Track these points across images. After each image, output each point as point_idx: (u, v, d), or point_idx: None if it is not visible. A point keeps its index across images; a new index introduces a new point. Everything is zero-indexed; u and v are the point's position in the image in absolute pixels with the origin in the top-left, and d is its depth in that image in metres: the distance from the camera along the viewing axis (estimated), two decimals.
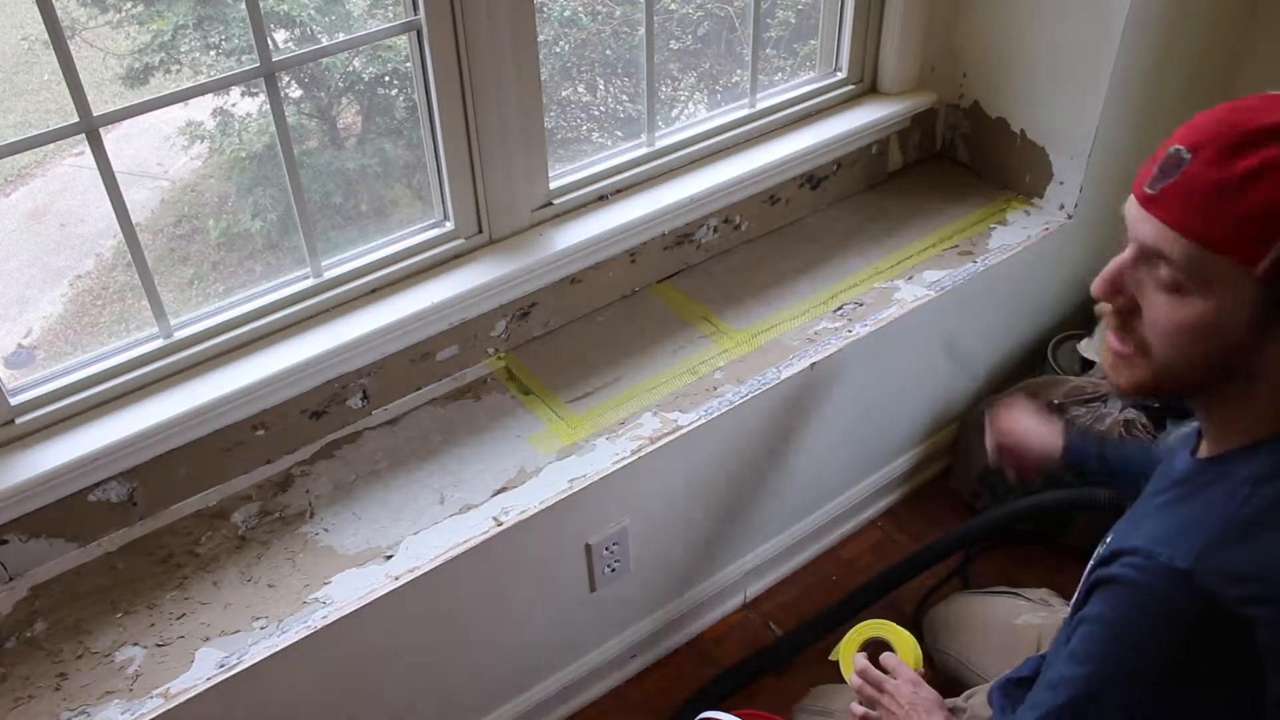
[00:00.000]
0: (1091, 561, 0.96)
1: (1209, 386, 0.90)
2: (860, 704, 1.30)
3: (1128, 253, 0.90)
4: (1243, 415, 0.90)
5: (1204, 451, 0.96)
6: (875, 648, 1.45)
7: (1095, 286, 0.92)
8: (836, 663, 1.50)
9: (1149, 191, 0.87)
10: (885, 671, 1.32)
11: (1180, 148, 0.85)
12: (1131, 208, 0.90)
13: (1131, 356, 0.91)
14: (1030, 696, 0.96)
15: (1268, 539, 0.84)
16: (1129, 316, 0.90)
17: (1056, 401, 2.01)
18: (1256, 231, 0.80)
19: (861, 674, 1.31)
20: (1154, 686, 0.86)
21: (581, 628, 1.79)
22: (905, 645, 1.45)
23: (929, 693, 1.26)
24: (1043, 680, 0.95)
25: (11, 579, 1.43)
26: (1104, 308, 0.94)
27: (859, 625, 1.53)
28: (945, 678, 1.64)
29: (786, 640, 1.94)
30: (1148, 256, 0.88)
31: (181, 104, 1.40)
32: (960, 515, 2.17)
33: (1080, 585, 0.96)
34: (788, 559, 2.09)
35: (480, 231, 1.71)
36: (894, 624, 1.50)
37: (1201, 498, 0.90)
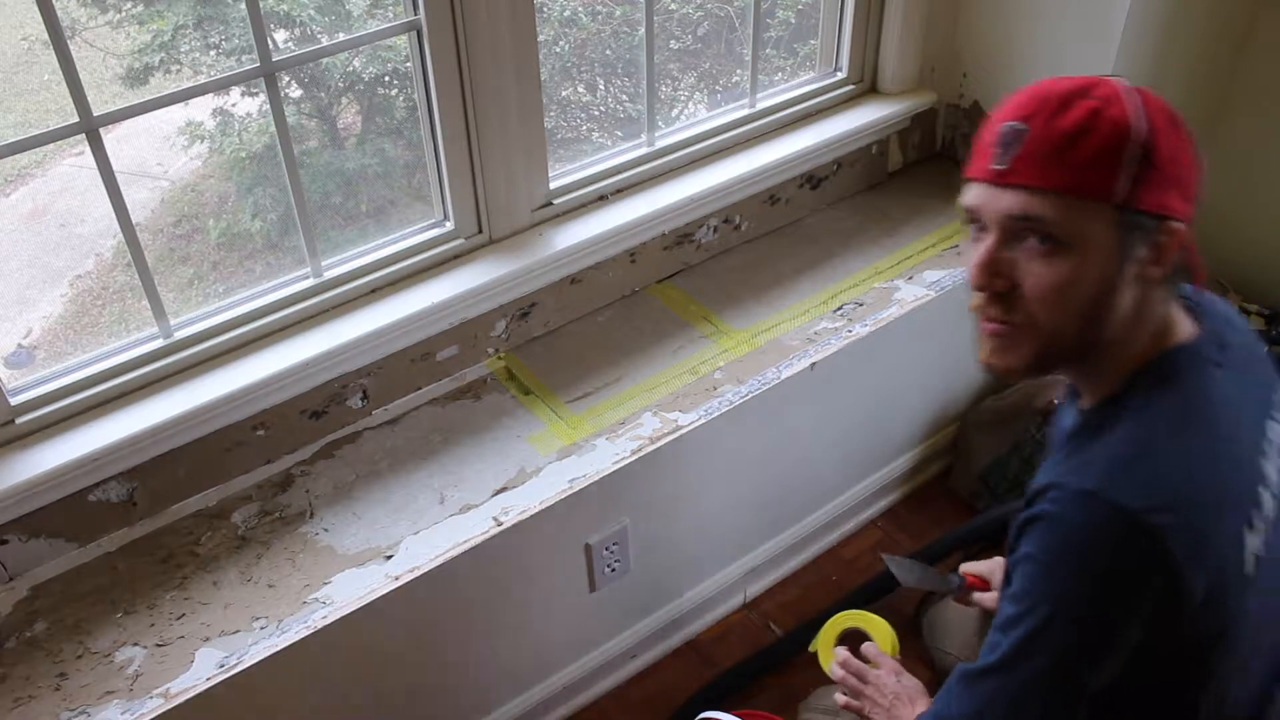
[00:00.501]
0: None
1: (1086, 348, 0.96)
2: (843, 694, 1.32)
3: (992, 237, 0.94)
4: (1111, 363, 0.97)
5: (1086, 403, 1.02)
6: (853, 638, 1.46)
7: (974, 276, 0.95)
8: (816, 653, 1.51)
9: (1000, 167, 0.92)
10: (866, 662, 1.33)
11: (1014, 122, 0.92)
12: (981, 192, 0.95)
13: (1016, 333, 0.95)
14: (989, 638, 1.00)
15: (1158, 456, 0.91)
16: (1008, 297, 0.95)
17: (1057, 401, 2.01)
18: (1103, 165, 0.88)
19: (844, 665, 1.33)
20: (1089, 611, 0.91)
21: (581, 628, 1.79)
22: (883, 634, 1.47)
23: (912, 681, 1.28)
24: (994, 623, 1.00)
25: (11, 579, 1.43)
26: (975, 300, 0.97)
27: (836, 616, 1.54)
28: (945, 676, 1.64)
29: (786, 640, 1.94)
30: (1015, 230, 0.93)
31: (181, 104, 1.40)
32: (960, 515, 2.17)
33: (1010, 534, 0.99)
34: (788, 559, 2.08)
35: (480, 231, 1.71)
36: (870, 614, 1.51)
37: (1096, 438, 0.95)
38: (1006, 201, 0.92)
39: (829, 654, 1.44)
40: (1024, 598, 0.94)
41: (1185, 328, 0.98)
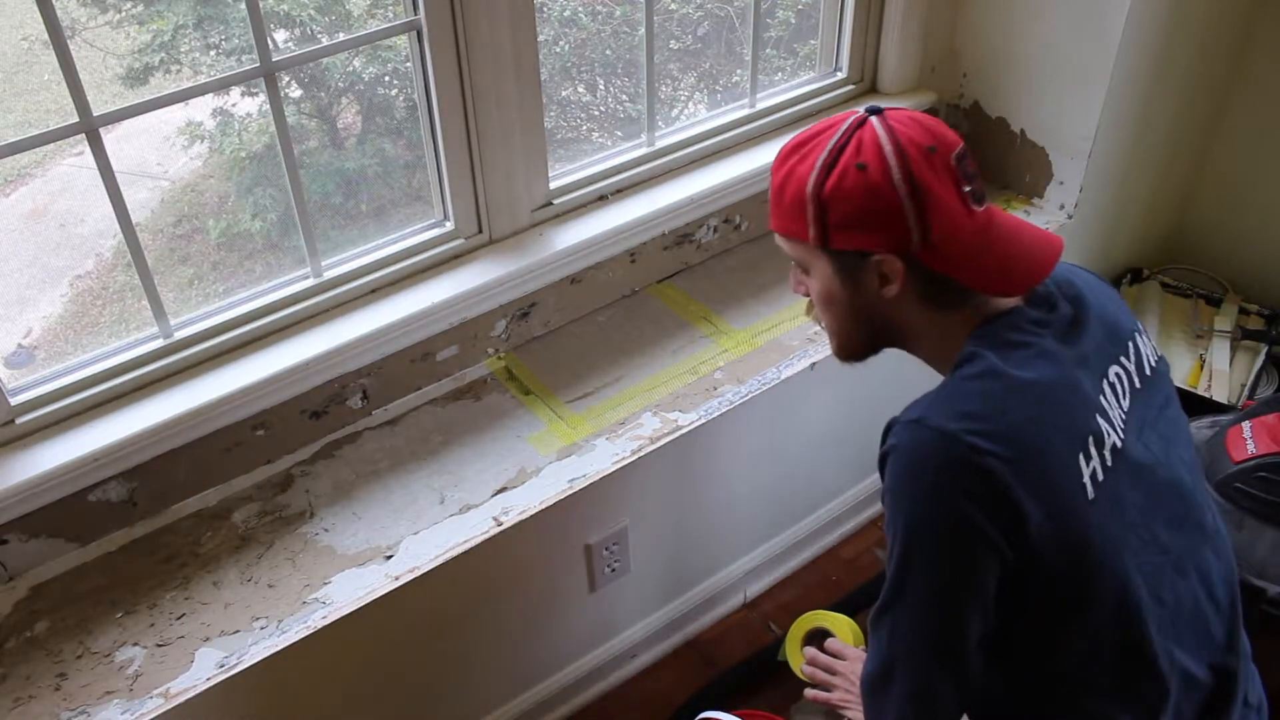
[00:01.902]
0: None
1: (883, 341, 1.13)
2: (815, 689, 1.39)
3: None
4: (931, 349, 1.11)
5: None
6: (819, 638, 1.53)
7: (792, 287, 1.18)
8: (786, 662, 1.57)
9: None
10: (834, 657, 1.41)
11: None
12: None
13: (827, 329, 1.16)
14: None
15: (976, 392, 1.02)
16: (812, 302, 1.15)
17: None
18: (798, 215, 1.06)
19: (811, 662, 1.41)
20: (937, 526, 0.99)
21: (581, 628, 1.79)
22: (843, 628, 1.56)
23: None
24: None
25: (11, 579, 1.44)
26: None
27: (797, 621, 1.63)
28: None
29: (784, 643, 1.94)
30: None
31: (181, 104, 1.40)
32: None
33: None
34: (788, 559, 2.09)
35: (480, 231, 1.71)
36: (828, 612, 1.60)
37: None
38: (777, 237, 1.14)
39: (798, 658, 1.50)
40: (890, 526, 1.03)
41: (1006, 304, 1.08)
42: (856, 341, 1.15)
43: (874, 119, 1.05)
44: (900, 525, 1.01)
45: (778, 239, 1.12)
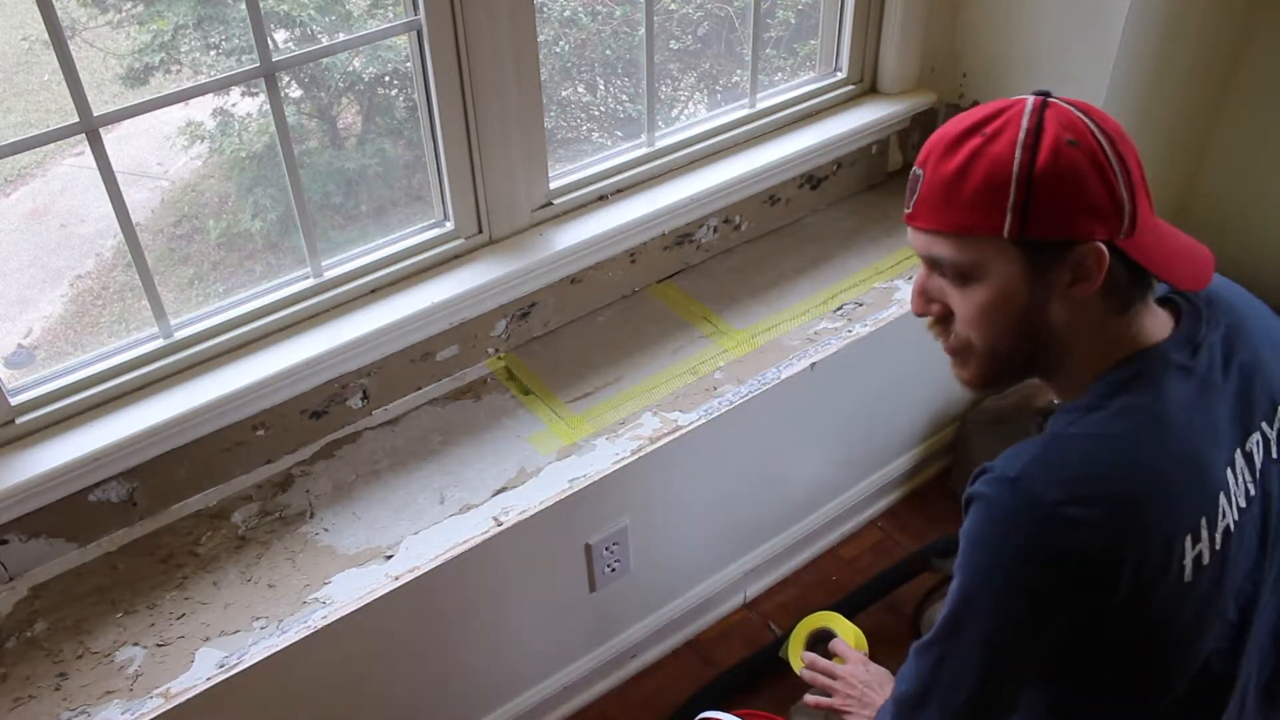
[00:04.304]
0: None
1: (1034, 359, 1.00)
2: (814, 693, 1.38)
3: (921, 269, 1.02)
4: (1069, 373, 1.00)
5: (1057, 402, 1.07)
6: (822, 639, 1.56)
7: (911, 305, 1.03)
8: (787, 660, 1.58)
9: (908, 212, 0.99)
10: (833, 657, 1.41)
11: (916, 169, 0.99)
12: (909, 234, 1.01)
13: (963, 353, 1.01)
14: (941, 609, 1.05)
15: (1089, 453, 0.94)
16: (946, 321, 1.01)
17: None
18: (988, 203, 0.92)
19: (811, 666, 1.39)
20: (1007, 592, 0.94)
21: (581, 628, 1.79)
22: (848, 632, 1.56)
23: (878, 668, 1.33)
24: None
25: (11, 579, 1.44)
26: (927, 321, 1.03)
27: (803, 620, 1.64)
28: None
29: (786, 640, 1.94)
30: (933, 264, 0.99)
31: (181, 104, 1.40)
32: (960, 515, 2.17)
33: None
34: (788, 559, 2.08)
35: (480, 231, 1.71)
36: (835, 614, 1.61)
37: (1045, 431, 1.00)
38: (919, 242, 0.99)
39: (799, 658, 1.52)
40: (958, 571, 0.99)
41: (1157, 331, 0.98)
42: (1006, 363, 1.01)
43: (1056, 100, 0.95)
44: (970, 574, 0.97)
45: (933, 245, 0.97)
